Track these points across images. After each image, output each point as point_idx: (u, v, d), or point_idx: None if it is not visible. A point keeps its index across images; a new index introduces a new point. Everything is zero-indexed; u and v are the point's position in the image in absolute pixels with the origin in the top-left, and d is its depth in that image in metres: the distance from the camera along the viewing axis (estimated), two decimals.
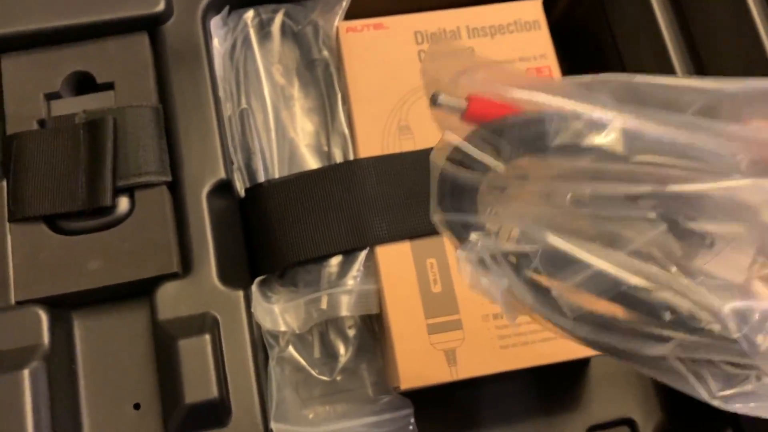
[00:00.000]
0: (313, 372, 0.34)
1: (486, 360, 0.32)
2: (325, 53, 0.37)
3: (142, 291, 0.33)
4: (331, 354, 0.35)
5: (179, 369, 0.30)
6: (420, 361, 0.32)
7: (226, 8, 0.38)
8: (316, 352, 0.35)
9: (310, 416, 0.34)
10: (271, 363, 0.34)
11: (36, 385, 0.30)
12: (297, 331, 0.34)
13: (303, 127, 0.37)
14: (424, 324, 0.33)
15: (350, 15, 0.38)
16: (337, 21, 0.38)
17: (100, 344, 0.33)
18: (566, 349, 0.33)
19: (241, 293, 0.33)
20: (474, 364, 0.32)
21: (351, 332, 0.34)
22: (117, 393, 0.32)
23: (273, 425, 0.31)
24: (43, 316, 0.31)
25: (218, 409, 0.30)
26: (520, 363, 0.32)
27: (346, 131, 0.36)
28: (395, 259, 0.33)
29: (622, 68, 0.37)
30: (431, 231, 0.33)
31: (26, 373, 0.30)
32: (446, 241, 0.33)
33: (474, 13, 0.38)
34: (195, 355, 0.30)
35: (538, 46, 0.37)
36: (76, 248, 0.32)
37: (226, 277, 0.33)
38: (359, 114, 0.36)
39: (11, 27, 0.34)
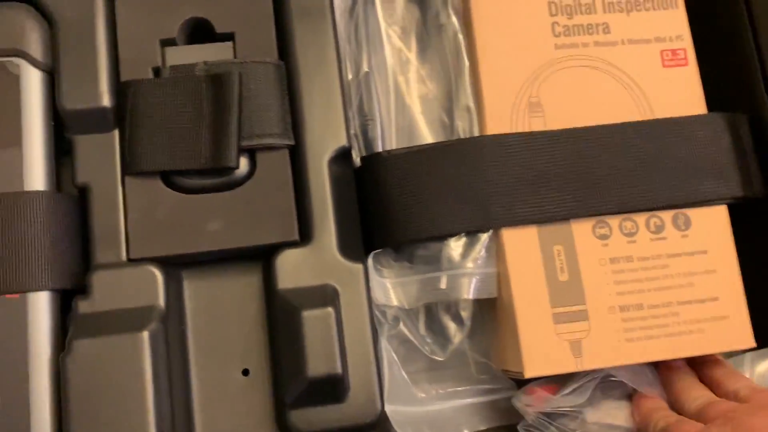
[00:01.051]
0: (423, 350, 0.35)
1: (611, 352, 0.33)
2: (454, 19, 0.36)
3: (256, 255, 0.33)
4: (437, 331, 0.35)
5: (302, 341, 0.30)
6: (545, 349, 0.32)
7: None
8: (422, 328, 0.35)
9: (420, 396, 0.35)
10: (383, 340, 0.34)
11: (155, 346, 0.30)
12: (407, 307, 0.34)
13: (420, 95, 0.37)
14: (549, 313, 0.33)
15: None
16: None
17: (210, 306, 0.33)
18: (691, 345, 0.33)
19: (360, 266, 0.33)
20: (599, 356, 0.32)
21: (465, 314, 0.35)
22: (226, 357, 0.32)
23: (387, 407, 0.32)
24: (159, 276, 0.31)
25: (339, 385, 0.30)
26: (645, 357, 0.33)
27: (472, 105, 0.35)
28: (521, 244, 0.33)
29: (759, 60, 0.36)
30: (559, 217, 0.34)
31: (146, 334, 0.29)
32: (574, 229, 0.34)
33: None
34: (319, 327, 0.30)
35: (675, 26, 0.37)
36: (194, 207, 0.32)
37: (345, 248, 0.33)
38: (488, 86, 0.35)
39: None
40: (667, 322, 0.34)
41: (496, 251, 0.34)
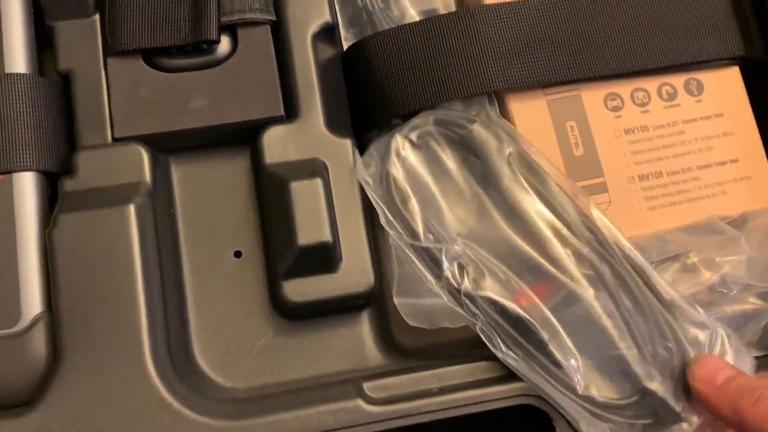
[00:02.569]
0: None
1: (635, 221, 0.33)
2: None
3: (242, 138, 0.33)
4: None
5: (291, 211, 0.30)
6: None
7: None
8: None
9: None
10: (389, 240, 0.34)
11: (142, 219, 0.30)
12: None
13: None
14: None
15: None
16: None
17: (199, 190, 0.33)
18: (715, 207, 0.33)
19: (348, 141, 0.33)
20: (622, 226, 0.32)
21: None
22: (217, 240, 0.33)
23: (396, 300, 0.32)
24: (144, 154, 0.32)
25: (329, 254, 0.31)
26: (668, 223, 0.33)
27: None
28: (533, 120, 0.33)
29: None
30: (560, 79, 0.33)
31: (132, 207, 0.30)
32: (585, 103, 0.34)
33: None
34: (307, 197, 0.31)
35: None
36: (177, 86, 0.32)
37: (333, 124, 0.33)
38: None
39: None
40: (688, 187, 0.34)
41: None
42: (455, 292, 0.30)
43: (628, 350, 0.30)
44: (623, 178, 0.33)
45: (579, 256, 0.30)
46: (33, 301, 0.30)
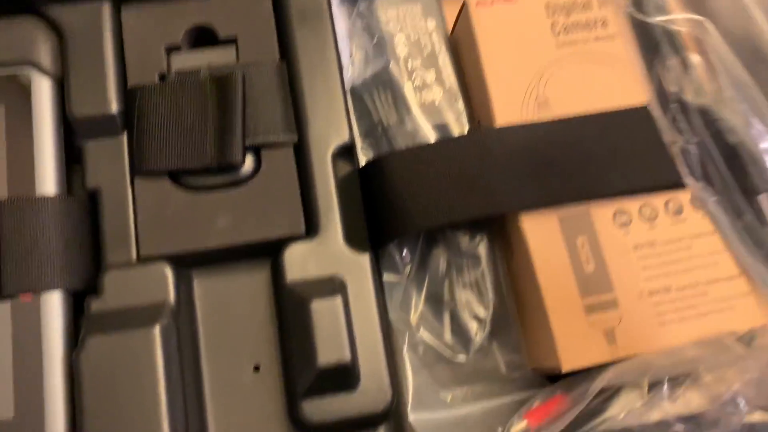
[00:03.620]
0: (447, 353, 0.36)
1: (645, 337, 0.34)
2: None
3: (263, 252, 0.35)
4: (463, 334, 0.37)
5: (311, 330, 0.32)
6: (579, 341, 0.33)
7: None
8: (447, 335, 0.37)
9: (448, 399, 0.36)
10: (404, 348, 0.35)
11: (167, 341, 0.31)
12: None
13: (426, 102, 0.39)
14: (580, 304, 0.34)
15: None
16: None
17: (220, 305, 0.35)
18: (723, 323, 0.34)
19: (367, 256, 0.34)
20: (634, 342, 0.33)
21: (484, 313, 0.36)
22: (236, 354, 0.34)
23: (410, 416, 0.33)
24: (169, 273, 0.33)
25: (349, 373, 0.32)
26: (679, 338, 0.34)
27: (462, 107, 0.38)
28: (544, 236, 0.35)
29: None
30: (568, 199, 0.35)
31: (158, 329, 0.31)
32: (595, 218, 0.35)
33: None
34: (327, 316, 0.32)
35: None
36: (202, 205, 0.34)
37: (351, 240, 0.34)
38: (496, 93, 0.37)
39: None
40: (696, 302, 0.35)
41: (519, 245, 0.35)
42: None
43: None
44: (633, 294, 0.35)
45: None
46: (58, 424, 0.30)
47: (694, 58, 0.28)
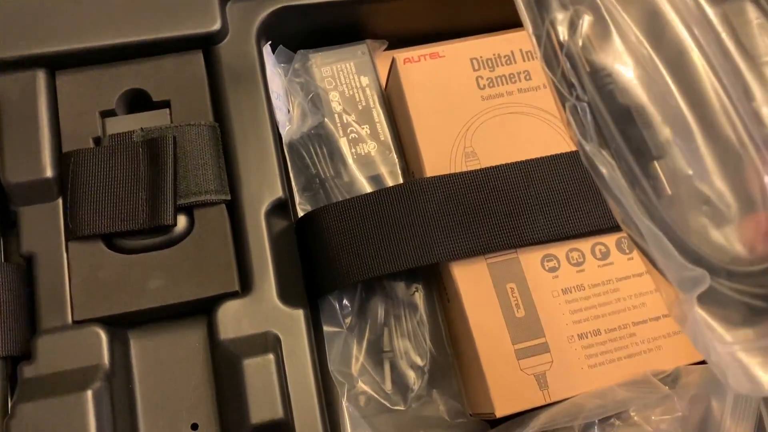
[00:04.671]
0: (386, 403, 0.37)
1: (576, 380, 0.35)
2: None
3: (199, 310, 0.35)
4: (402, 383, 0.38)
5: (244, 388, 0.32)
6: (512, 386, 0.34)
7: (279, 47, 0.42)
8: (388, 385, 0.37)
9: None
10: (342, 400, 0.36)
11: (99, 405, 0.32)
12: None
13: (361, 154, 0.41)
14: (511, 349, 0.35)
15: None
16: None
17: (157, 364, 0.35)
18: (651, 362, 0.35)
19: (301, 312, 0.35)
20: (565, 386, 0.34)
21: (421, 361, 0.37)
22: (174, 413, 0.34)
23: None
24: (103, 336, 0.33)
25: (282, 430, 0.32)
26: (609, 380, 0.35)
27: (396, 160, 0.40)
28: (475, 284, 0.36)
29: None
30: (498, 246, 0.36)
31: (90, 393, 0.32)
32: (524, 266, 0.37)
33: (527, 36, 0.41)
34: (259, 374, 0.33)
35: None
36: (135, 267, 0.35)
37: (286, 296, 0.35)
38: (425, 145, 0.38)
39: (66, 44, 0.37)
40: (625, 343, 0.36)
41: (452, 292, 0.37)
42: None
43: None
44: (563, 338, 0.36)
45: None
46: None
47: (585, 13, 0.27)
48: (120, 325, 0.35)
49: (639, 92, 0.24)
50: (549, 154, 0.38)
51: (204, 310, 0.35)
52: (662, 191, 0.24)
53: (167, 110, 0.38)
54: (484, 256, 0.37)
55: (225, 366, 0.34)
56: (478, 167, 0.38)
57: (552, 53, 0.24)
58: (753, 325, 0.22)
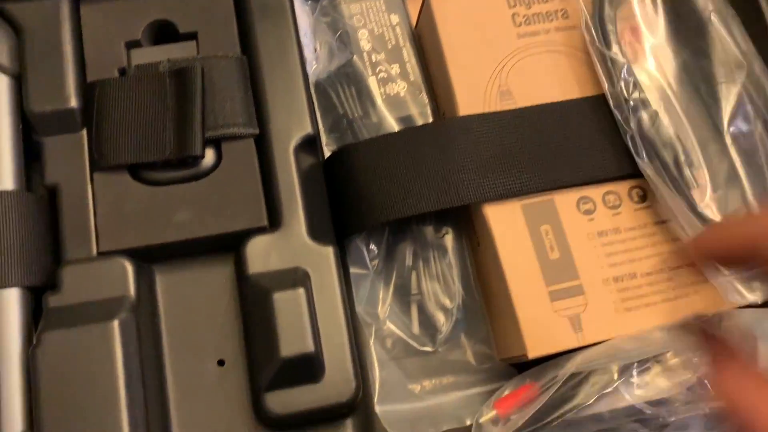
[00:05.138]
0: (415, 344, 0.36)
1: (611, 323, 0.34)
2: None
3: (225, 247, 0.35)
4: (430, 326, 0.37)
5: (274, 322, 0.32)
6: (545, 328, 0.34)
7: None
8: (415, 327, 0.37)
9: (416, 390, 0.36)
10: (371, 341, 0.35)
11: (126, 335, 0.31)
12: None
13: (391, 94, 0.40)
14: (545, 291, 0.34)
15: None
16: None
17: (182, 300, 0.35)
18: (688, 307, 0.35)
19: (330, 249, 0.34)
20: (599, 328, 0.33)
21: (450, 304, 0.36)
22: (200, 349, 0.34)
23: (377, 408, 0.33)
24: (129, 267, 0.33)
25: (312, 364, 0.32)
26: (645, 323, 0.34)
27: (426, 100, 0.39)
28: (508, 225, 0.35)
29: None
30: (528, 190, 0.35)
31: (116, 323, 0.31)
32: (559, 207, 0.36)
33: None
34: (290, 308, 0.32)
35: None
36: (161, 199, 0.34)
37: (315, 233, 0.35)
38: (459, 84, 0.37)
39: None
40: (662, 287, 0.35)
41: (484, 235, 0.36)
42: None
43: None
44: (598, 280, 0.35)
45: None
46: (15, 421, 0.30)
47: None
48: (145, 260, 0.34)
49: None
50: (586, 95, 0.38)
51: (230, 247, 0.35)
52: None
53: (194, 42, 0.37)
54: (518, 197, 0.36)
55: (254, 300, 0.33)
56: (513, 107, 0.37)
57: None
58: None
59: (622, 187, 0.37)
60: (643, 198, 0.37)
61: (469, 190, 0.35)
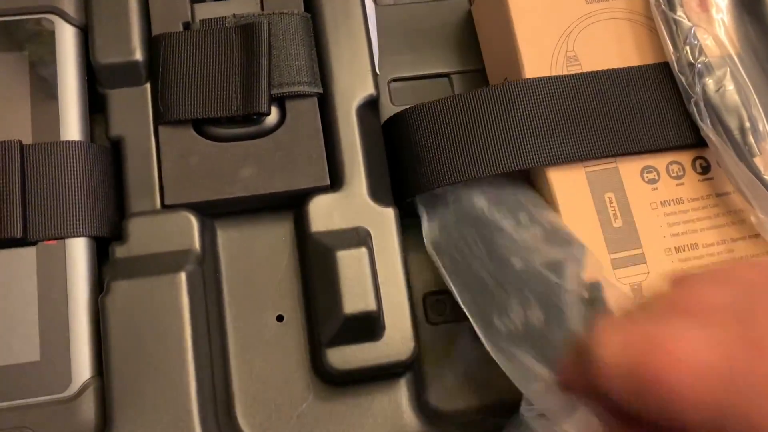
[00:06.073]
0: None
1: None
2: None
3: (287, 204, 0.35)
4: None
5: (337, 279, 0.32)
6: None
7: None
8: None
9: None
10: None
11: (193, 287, 0.32)
12: None
13: None
14: (608, 258, 0.34)
15: None
16: None
17: (243, 255, 0.35)
18: None
19: (392, 210, 0.35)
20: None
21: None
22: (260, 304, 0.35)
23: None
24: (194, 221, 0.33)
25: (374, 322, 0.32)
26: None
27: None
28: (572, 191, 0.35)
29: None
30: (601, 153, 0.35)
31: (184, 275, 0.32)
32: (623, 174, 0.36)
33: None
34: (353, 266, 0.32)
35: None
36: (227, 155, 0.34)
37: (376, 194, 0.35)
38: (526, 48, 0.37)
39: None
40: (722, 258, 0.35)
41: (547, 199, 0.36)
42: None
43: None
44: (660, 250, 0.35)
45: None
46: (83, 366, 0.31)
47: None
48: (208, 214, 0.35)
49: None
50: (650, 61, 0.37)
51: (292, 205, 0.35)
52: (755, 152, 0.35)
53: None
54: (582, 163, 0.36)
55: (316, 258, 0.33)
56: (578, 72, 0.37)
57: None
58: None
59: (685, 158, 0.37)
60: (707, 169, 0.37)
61: (533, 153, 0.35)
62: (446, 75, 0.42)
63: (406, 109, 0.37)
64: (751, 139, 0.35)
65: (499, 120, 0.36)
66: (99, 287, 0.32)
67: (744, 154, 0.35)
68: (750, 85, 0.36)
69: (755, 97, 0.36)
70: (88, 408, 0.31)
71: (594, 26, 0.38)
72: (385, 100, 0.41)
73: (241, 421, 0.33)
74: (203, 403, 0.31)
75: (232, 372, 0.34)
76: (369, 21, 0.39)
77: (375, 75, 0.37)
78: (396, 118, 0.38)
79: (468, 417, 0.36)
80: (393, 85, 0.41)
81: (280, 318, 0.35)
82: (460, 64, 0.42)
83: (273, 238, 0.35)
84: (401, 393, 0.34)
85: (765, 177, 0.34)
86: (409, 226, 0.37)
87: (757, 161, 0.35)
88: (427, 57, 0.42)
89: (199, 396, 0.30)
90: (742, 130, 0.35)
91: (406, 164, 0.37)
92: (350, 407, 0.34)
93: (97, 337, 0.31)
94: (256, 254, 0.35)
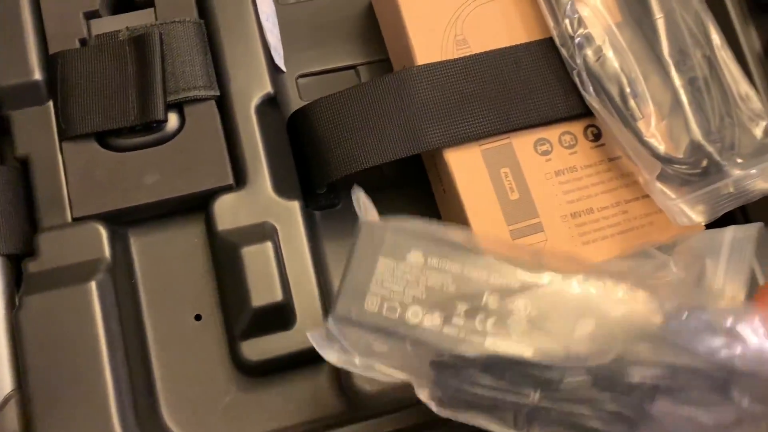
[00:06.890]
0: None
1: None
2: None
3: (196, 206, 0.37)
4: None
5: (243, 275, 0.34)
6: None
7: None
8: None
9: None
10: None
11: (104, 295, 0.33)
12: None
13: None
14: (506, 231, 0.36)
15: None
16: None
17: (158, 259, 0.37)
18: (644, 237, 0.37)
19: (296, 203, 0.36)
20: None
21: None
22: (177, 305, 0.36)
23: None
24: (102, 231, 0.35)
25: (283, 312, 0.34)
26: (602, 255, 0.36)
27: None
28: (469, 169, 0.37)
29: None
30: (487, 132, 0.37)
31: (94, 284, 0.33)
32: (516, 148, 0.37)
33: None
34: (258, 260, 0.34)
35: None
36: (129, 164, 0.36)
37: (280, 188, 0.36)
38: (415, 35, 0.38)
39: None
40: (618, 220, 0.37)
41: (446, 179, 0.37)
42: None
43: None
44: (557, 217, 0.37)
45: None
46: (5, 380, 0.32)
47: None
48: (119, 223, 0.36)
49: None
50: (534, 39, 0.39)
51: (200, 206, 0.36)
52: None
53: (152, 9, 0.38)
54: (477, 142, 0.37)
55: (224, 256, 0.35)
56: (469, 54, 0.38)
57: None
58: (685, 188, 0.35)
59: (577, 127, 0.38)
60: (598, 137, 0.38)
61: (430, 136, 0.37)
62: (353, 67, 0.43)
63: (307, 104, 0.39)
64: (632, 103, 0.37)
65: (395, 107, 0.37)
66: (15, 303, 0.34)
67: (627, 119, 0.36)
68: (629, 51, 0.38)
69: (634, 62, 0.37)
70: (11, 420, 0.32)
71: (481, 8, 0.39)
72: (294, 96, 0.42)
73: (168, 419, 0.35)
74: (122, 406, 0.32)
75: (154, 373, 0.35)
76: (270, 20, 0.41)
77: (273, 74, 0.38)
78: (298, 113, 0.39)
79: (393, 395, 0.37)
80: (301, 81, 0.43)
81: (198, 317, 0.36)
82: (365, 55, 0.43)
83: (186, 240, 0.37)
84: (322, 378, 0.36)
85: (647, 140, 0.36)
86: (326, 217, 0.38)
87: (640, 125, 0.37)
88: (333, 51, 0.43)
89: (118, 399, 0.32)
90: (623, 95, 0.37)
91: (312, 156, 0.38)
92: (273, 396, 0.35)
93: (15, 351, 0.33)
94: (171, 257, 0.37)
